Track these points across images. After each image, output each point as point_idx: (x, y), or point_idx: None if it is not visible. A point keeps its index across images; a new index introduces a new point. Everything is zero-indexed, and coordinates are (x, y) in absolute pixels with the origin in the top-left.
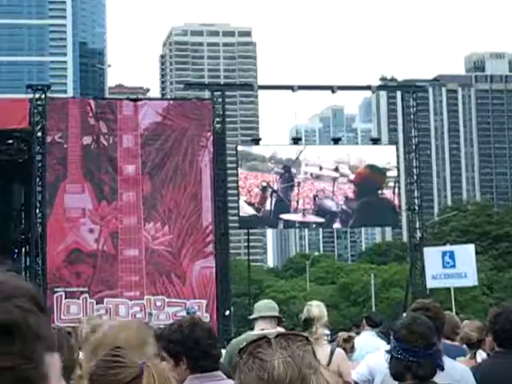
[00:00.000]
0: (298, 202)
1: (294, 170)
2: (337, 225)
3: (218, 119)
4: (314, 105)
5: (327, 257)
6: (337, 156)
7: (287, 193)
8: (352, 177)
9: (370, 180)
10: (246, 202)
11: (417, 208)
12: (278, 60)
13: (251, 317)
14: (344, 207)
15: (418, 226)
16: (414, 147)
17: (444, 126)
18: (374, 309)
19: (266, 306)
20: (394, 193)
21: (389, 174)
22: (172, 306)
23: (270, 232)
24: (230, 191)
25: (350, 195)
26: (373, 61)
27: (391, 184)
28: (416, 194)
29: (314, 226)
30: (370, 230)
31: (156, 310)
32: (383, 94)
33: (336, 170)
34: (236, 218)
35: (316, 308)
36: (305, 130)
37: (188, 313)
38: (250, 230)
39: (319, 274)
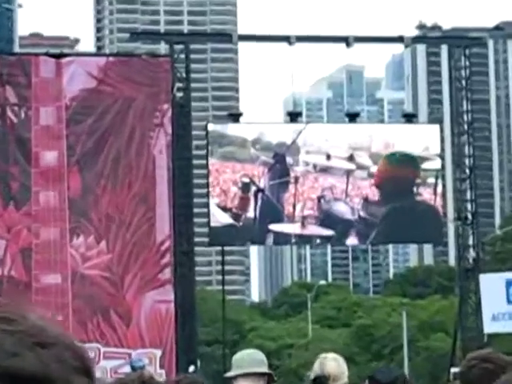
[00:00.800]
0: (294, 206)
1: (289, 160)
2: (352, 240)
3: (179, 85)
4: (321, 65)
5: (338, 287)
6: (353, 139)
7: (279, 193)
8: (374, 169)
9: (401, 175)
10: (219, 206)
11: (470, 216)
12: (268, 0)
13: (228, 374)
14: (363, 214)
15: (471, 242)
16: (466, 127)
17: (510, 95)
18: (406, 363)
19: (250, 359)
20: (435, 193)
21: (428, 165)
22: (111, 359)
23: (254, 250)
24: (196, 190)
25: (372, 197)
26: (406, 1)
27: (431, 180)
28: (469, 195)
29: (318, 241)
30: (401, 249)
31: None
32: (421, 49)
33: (351, 159)
34: (205, 229)
35: (332, 362)
36: (306, 101)
37: (133, 368)
38: (226, 248)
39: (327, 312)
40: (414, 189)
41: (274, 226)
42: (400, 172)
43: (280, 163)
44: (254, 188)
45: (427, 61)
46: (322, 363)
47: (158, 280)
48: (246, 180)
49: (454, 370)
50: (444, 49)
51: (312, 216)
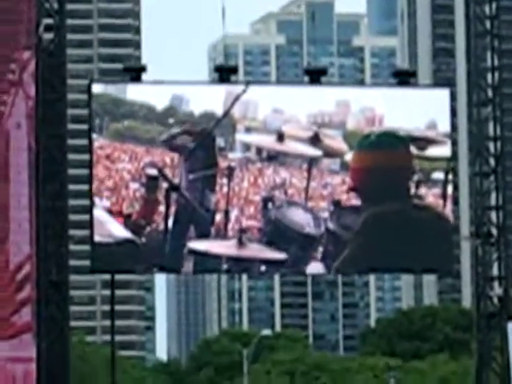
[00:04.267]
0: (227, 213)
1: (219, 142)
2: (315, 267)
3: (48, 21)
4: None
5: (291, 340)
6: (318, 110)
7: (204, 193)
8: (349, 157)
9: (391, 166)
10: (109, 211)
11: (495, 232)
12: None
13: None
14: (332, 227)
15: (496, 272)
16: (490, 93)
17: None
18: None
19: None
20: (444, 196)
21: (433, 152)
22: None
23: (161, 281)
24: (72, 187)
25: (347, 200)
26: None
27: (439, 176)
28: (494, 199)
29: (262, 268)
30: (388, 282)
31: None
32: None
33: (315, 141)
34: (85, 247)
35: None
36: (245, 49)
37: None
38: (118, 276)
39: (274, 378)
40: (412, 187)
41: (195, 244)
42: (390, 161)
43: (204, 147)
44: (164, 185)
45: None
46: None
47: (12, 326)
48: (153, 172)
49: None
50: None
51: (254, 229)
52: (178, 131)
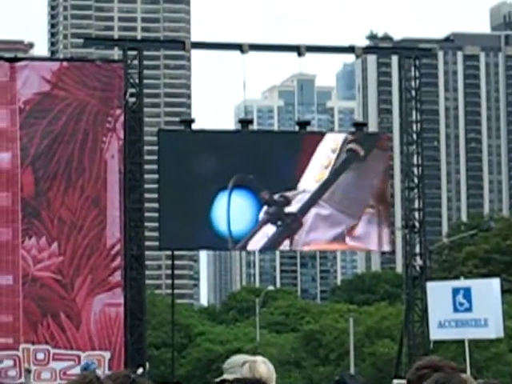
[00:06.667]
0: None
1: None
2: (298, 245)
3: (132, 90)
4: (273, 73)
5: (287, 293)
6: None
7: None
8: None
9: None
10: None
11: (417, 225)
12: (221, 9)
13: (219, 379)
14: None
15: (418, 250)
16: (415, 137)
17: (459, 106)
18: (352, 369)
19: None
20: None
21: None
22: (60, 360)
23: (203, 255)
24: (147, 195)
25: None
26: (357, 11)
27: None
28: (417, 204)
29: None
30: (348, 256)
31: (37, 366)
32: (372, 59)
33: None
34: (155, 233)
35: (263, 366)
36: (258, 108)
37: (86, 369)
38: (176, 252)
39: (274, 317)
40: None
41: None
42: None
43: None
44: None
45: (378, 71)
46: (252, 367)
47: (108, 283)
48: None
49: (397, 381)
50: (394, 59)
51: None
52: None
